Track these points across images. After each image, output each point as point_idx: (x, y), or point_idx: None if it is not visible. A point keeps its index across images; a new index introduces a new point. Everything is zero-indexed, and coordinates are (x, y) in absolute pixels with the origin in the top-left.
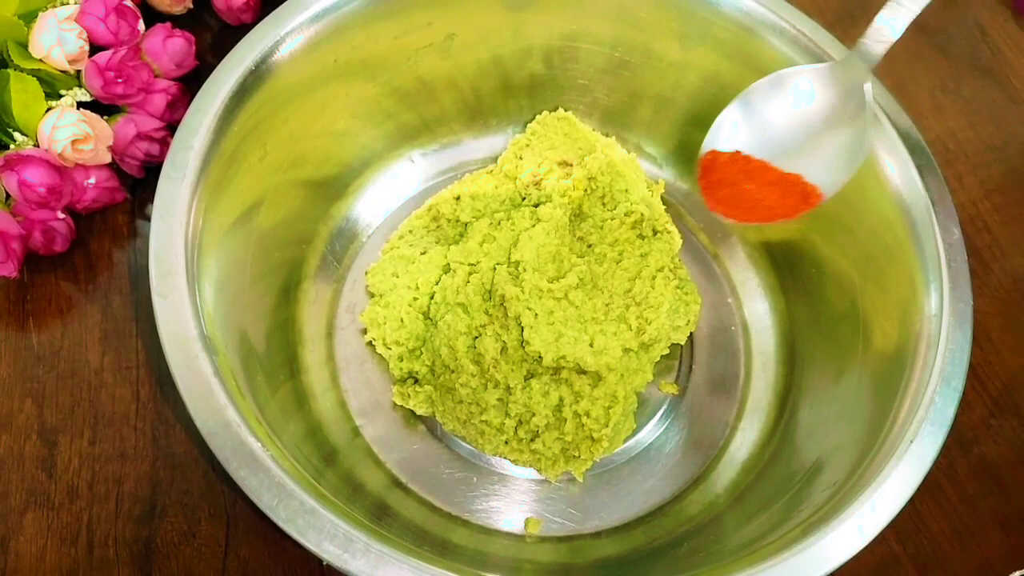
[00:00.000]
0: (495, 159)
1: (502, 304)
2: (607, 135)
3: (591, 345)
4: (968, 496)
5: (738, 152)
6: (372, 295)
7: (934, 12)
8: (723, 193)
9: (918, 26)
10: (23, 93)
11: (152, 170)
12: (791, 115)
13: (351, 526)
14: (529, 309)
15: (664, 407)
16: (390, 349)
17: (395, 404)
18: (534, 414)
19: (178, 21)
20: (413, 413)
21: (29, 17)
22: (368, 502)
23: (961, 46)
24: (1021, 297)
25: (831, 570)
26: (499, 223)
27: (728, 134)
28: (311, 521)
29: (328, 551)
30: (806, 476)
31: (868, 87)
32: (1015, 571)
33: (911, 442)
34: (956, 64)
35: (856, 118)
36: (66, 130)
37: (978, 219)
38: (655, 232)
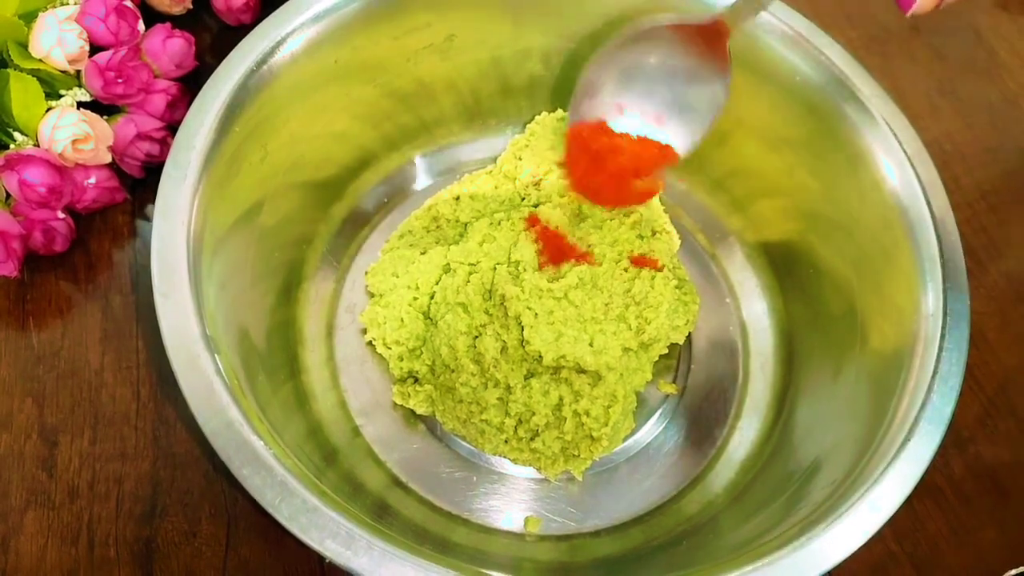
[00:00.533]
0: (494, 160)
1: (502, 304)
2: None
3: (591, 344)
4: (965, 495)
5: (602, 123)
6: (372, 295)
7: (930, 15)
8: (588, 176)
9: (914, 28)
10: (23, 93)
11: (152, 170)
12: (653, 72)
13: (354, 524)
14: (529, 309)
15: (663, 407)
16: (390, 349)
17: (395, 404)
18: (534, 413)
19: (178, 22)
20: (413, 413)
21: (29, 17)
22: (369, 501)
23: (957, 48)
24: (1017, 298)
25: (830, 567)
26: (499, 223)
27: (589, 101)
28: (313, 519)
29: (331, 549)
30: (805, 475)
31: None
32: (1011, 569)
33: (909, 440)
34: (952, 66)
35: (717, 76)
36: (66, 130)
37: (974, 220)
38: (654, 232)
